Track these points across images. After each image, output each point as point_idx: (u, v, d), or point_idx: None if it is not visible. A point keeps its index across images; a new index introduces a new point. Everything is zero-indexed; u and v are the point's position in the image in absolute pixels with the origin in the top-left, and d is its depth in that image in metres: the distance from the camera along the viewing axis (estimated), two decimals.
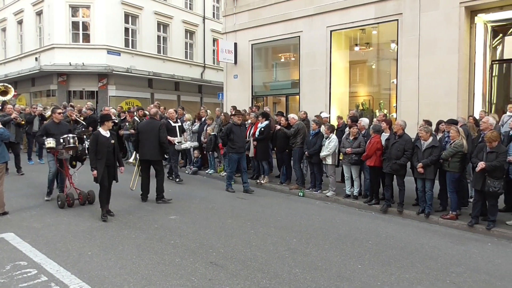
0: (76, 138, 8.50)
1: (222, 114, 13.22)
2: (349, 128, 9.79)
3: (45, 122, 15.39)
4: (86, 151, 8.42)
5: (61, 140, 8.29)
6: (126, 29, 24.61)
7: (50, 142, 8.35)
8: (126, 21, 24.57)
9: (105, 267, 5.43)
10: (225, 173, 12.29)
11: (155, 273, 5.27)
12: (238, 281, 5.05)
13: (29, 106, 16.02)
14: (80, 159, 8.75)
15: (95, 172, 7.43)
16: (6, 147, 11.50)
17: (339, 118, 12.16)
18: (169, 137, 10.52)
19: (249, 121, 12.08)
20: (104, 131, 7.66)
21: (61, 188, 9.04)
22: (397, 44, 13.40)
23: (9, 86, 16.41)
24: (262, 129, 11.14)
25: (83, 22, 23.70)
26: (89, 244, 6.31)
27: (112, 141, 7.70)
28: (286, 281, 5.10)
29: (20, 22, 27.05)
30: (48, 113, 15.27)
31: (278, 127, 11.14)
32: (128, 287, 4.84)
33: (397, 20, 13.19)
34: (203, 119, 13.45)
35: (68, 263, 5.50)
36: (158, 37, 26.48)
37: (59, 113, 9.01)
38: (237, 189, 10.65)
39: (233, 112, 12.06)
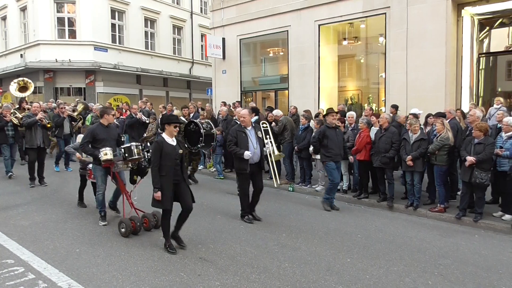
0: (140, 146, 6.86)
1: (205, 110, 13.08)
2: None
3: (76, 124, 13.95)
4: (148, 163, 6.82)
5: (122, 150, 6.73)
6: (113, 25, 24.36)
7: (107, 153, 6.67)
8: (113, 17, 24.33)
9: (93, 264, 5.39)
10: (214, 169, 12.27)
11: (144, 269, 5.24)
12: (227, 276, 5.04)
13: (57, 106, 13.96)
14: (142, 173, 7.03)
15: (158, 193, 5.70)
16: (32, 152, 10.25)
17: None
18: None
19: (236, 116, 12.05)
20: (170, 138, 5.92)
21: (114, 204, 7.69)
22: (385, 37, 13.42)
23: (29, 81, 15.23)
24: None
25: (68, 18, 23.41)
26: (77, 242, 6.26)
27: (180, 151, 5.99)
28: (276, 275, 5.10)
29: (4, 18, 26.62)
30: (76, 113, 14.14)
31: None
32: (117, 283, 4.81)
33: (385, 13, 13.21)
34: (191, 114, 13.34)
35: (56, 261, 5.45)
36: (146, 32, 26.27)
37: (113, 115, 7.39)
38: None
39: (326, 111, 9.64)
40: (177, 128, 6.07)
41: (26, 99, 13.93)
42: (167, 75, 27.10)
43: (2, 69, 25.29)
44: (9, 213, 7.74)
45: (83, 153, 7.81)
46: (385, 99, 13.67)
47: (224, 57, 18.15)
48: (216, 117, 13.56)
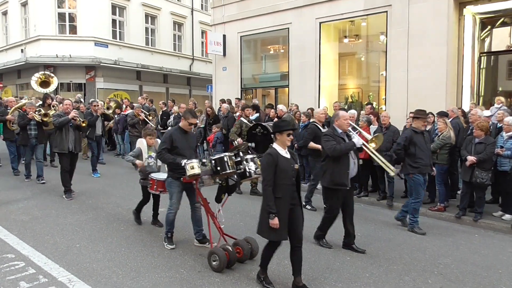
0: (233, 158, 5.48)
1: (209, 108, 13.02)
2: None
3: (108, 124, 13.26)
4: (236, 177, 5.59)
5: (212, 163, 5.41)
6: (114, 21, 24.38)
7: (194, 167, 5.40)
8: (114, 13, 24.33)
9: (93, 259, 5.39)
10: None
11: (144, 265, 5.25)
12: (227, 273, 5.05)
13: (90, 103, 12.48)
14: (231, 190, 5.79)
15: (275, 220, 4.46)
16: (64, 158, 8.74)
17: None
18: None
19: (238, 113, 12.04)
20: (283, 150, 4.68)
21: (199, 232, 6.21)
22: (386, 36, 13.39)
23: (51, 74, 14.32)
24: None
25: (69, 14, 23.42)
26: (77, 237, 6.26)
27: (296, 167, 4.74)
28: (275, 273, 5.11)
29: (4, 13, 26.62)
30: (110, 111, 13.33)
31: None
32: (117, 279, 4.82)
33: (386, 12, 13.17)
34: None
35: (56, 256, 5.46)
36: (146, 29, 26.27)
37: (190, 124, 5.97)
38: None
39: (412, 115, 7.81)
40: (291, 137, 4.78)
41: (46, 94, 13.28)
42: (167, 72, 27.12)
43: (3, 64, 25.31)
44: (9, 208, 7.75)
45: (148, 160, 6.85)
46: (385, 98, 13.66)
47: (224, 54, 18.12)
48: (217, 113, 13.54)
